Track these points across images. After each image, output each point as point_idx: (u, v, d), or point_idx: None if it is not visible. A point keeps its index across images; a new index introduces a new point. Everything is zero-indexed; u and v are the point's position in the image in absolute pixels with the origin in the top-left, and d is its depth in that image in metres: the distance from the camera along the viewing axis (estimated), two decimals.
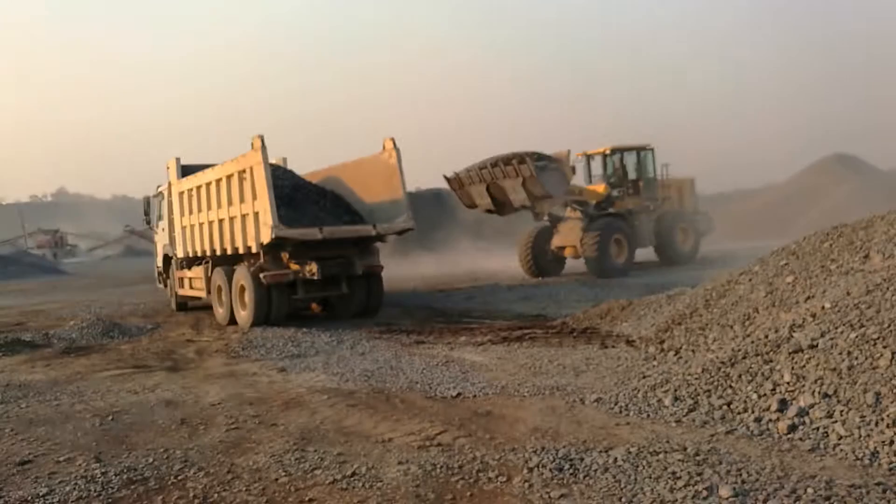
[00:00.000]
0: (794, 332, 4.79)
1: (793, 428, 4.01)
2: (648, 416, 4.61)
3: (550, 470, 3.75)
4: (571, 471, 3.73)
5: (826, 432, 3.89)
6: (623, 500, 3.33)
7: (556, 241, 17.46)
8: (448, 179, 16.47)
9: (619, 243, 16.47)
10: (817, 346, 4.46)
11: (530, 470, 3.79)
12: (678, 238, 17.97)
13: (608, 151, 17.97)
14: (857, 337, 4.35)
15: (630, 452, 3.90)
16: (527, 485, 3.60)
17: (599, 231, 15.97)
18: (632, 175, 18.03)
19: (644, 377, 5.45)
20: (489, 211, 16.49)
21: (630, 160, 18.15)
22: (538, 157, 15.30)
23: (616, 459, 3.81)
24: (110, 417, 5.53)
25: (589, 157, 18.45)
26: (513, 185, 15.11)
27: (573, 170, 16.26)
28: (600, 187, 17.46)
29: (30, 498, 3.85)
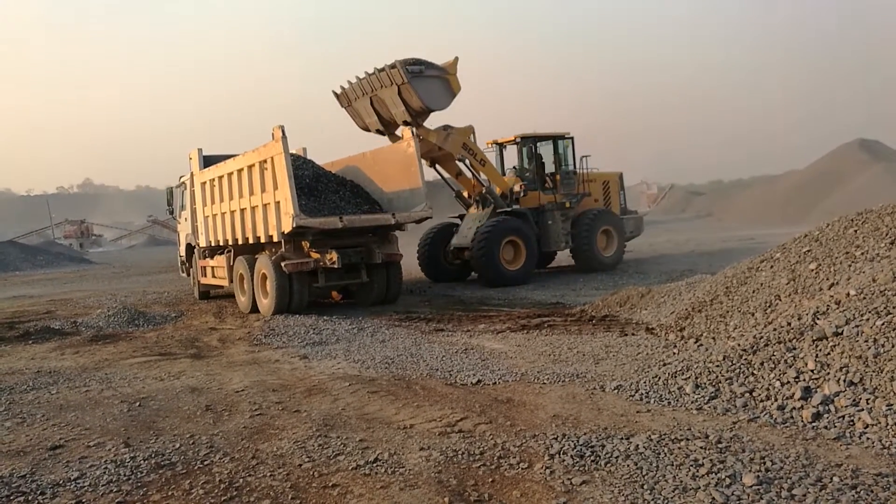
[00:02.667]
0: (817, 319, 4.73)
1: (817, 416, 3.98)
2: (669, 403, 4.60)
3: (572, 456, 3.77)
4: (593, 457, 3.74)
5: (852, 420, 3.84)
6: (645, 486, 3.33)
7: (455, 240, 14.97)
8: (337, 96, 14.35)
9: (515, 246, 13.87)
10: (842, 333, 4.41)
11: (551, 456, 3.80)
12: (598, 241, 15.34)
13: (518, 140, 15.71)
14: (883, 324, 4.28)
15: (651, 439, 3.89)
16: (548, 471, 3.62)
17: (487, 232, 13.45)
18: (547, 167, 15.72)
19: (664, 365, 5.43)
20: (379, 132, 14.03)
21: (545, 151, 15.86)
22: (415, 61, 12.78)
23: (637, 446, 3.81)
24: (137, 403, 5.65)
25: (501, 146, 16.18)
26: (391, 95, 12.94)
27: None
28: (512, 180, 15.28)
29: (62, 482, 3.95)
